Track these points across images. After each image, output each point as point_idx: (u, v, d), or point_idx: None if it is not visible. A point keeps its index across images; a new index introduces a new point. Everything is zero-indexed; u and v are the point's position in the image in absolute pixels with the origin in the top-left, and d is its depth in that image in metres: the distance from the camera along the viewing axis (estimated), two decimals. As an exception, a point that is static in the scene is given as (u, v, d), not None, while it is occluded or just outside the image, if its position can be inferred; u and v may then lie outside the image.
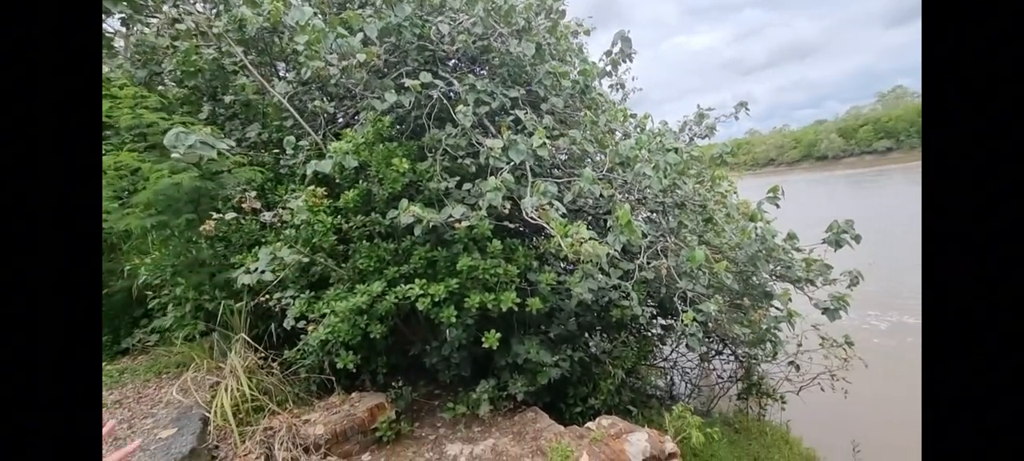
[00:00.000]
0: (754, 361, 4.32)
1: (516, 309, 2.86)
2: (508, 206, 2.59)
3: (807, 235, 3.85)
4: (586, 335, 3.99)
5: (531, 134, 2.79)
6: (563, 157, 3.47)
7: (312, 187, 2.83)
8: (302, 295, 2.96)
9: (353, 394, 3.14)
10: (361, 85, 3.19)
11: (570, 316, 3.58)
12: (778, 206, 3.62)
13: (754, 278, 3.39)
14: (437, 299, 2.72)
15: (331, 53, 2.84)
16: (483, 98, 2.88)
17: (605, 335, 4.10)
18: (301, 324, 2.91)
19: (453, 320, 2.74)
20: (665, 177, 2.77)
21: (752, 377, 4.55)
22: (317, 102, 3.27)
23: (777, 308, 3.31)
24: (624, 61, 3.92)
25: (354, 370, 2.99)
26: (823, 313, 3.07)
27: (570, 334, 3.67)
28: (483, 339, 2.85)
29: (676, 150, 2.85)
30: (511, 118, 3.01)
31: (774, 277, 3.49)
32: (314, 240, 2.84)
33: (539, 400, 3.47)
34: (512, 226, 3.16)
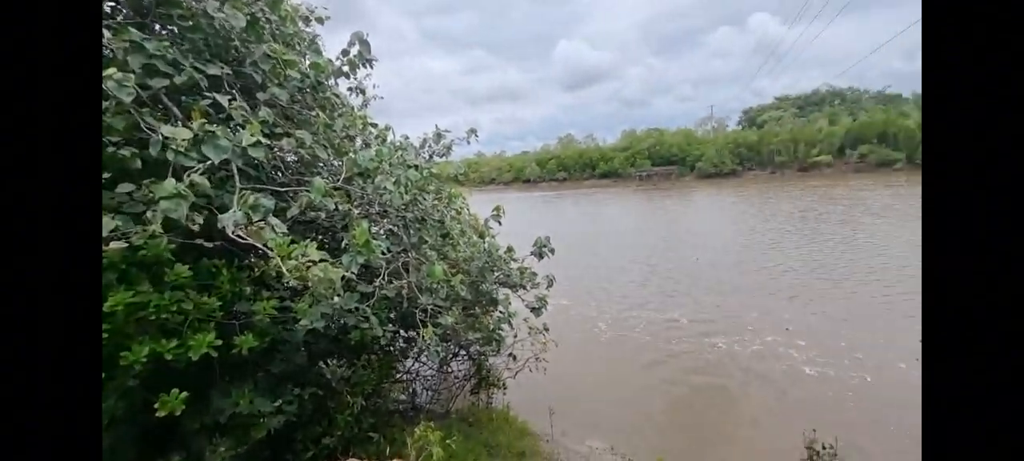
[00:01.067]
0: (483, 358, 4.90)
1: (216, 353, 2.17)
2: (200, 219, 1.93)
3: (519, 243, 4.64)
4: (321, 363, 3.50)
5: (240, 127, 2.19)
6: (291, 159, 2.93)
7: None
8: None
9: None
10: None
11: (298, 348, 3.04)
12: (500, 223, 4.22)
13: (483, 286, 3.83)
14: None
15: None
16: (158, 66, 2.06)
17: (343, 360, 3.72)
18: None
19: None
20: (407, 192, 2.72)
21: (482, 372, 5.13)
22: None
23: (501, 311, 3.85)
24: (363, 65, 3.70)
25: None
26: (532, 310, 3.76)
27: (299, 369, 3.12)
28: (157, 405, 2.02)
29: (417, 167, 2.85)
30: (208, 102, 2.29)
31: (497, 284, 4.05)
32: None
33: (255, 459, 2.78)
34: (212, 245, 2.41)
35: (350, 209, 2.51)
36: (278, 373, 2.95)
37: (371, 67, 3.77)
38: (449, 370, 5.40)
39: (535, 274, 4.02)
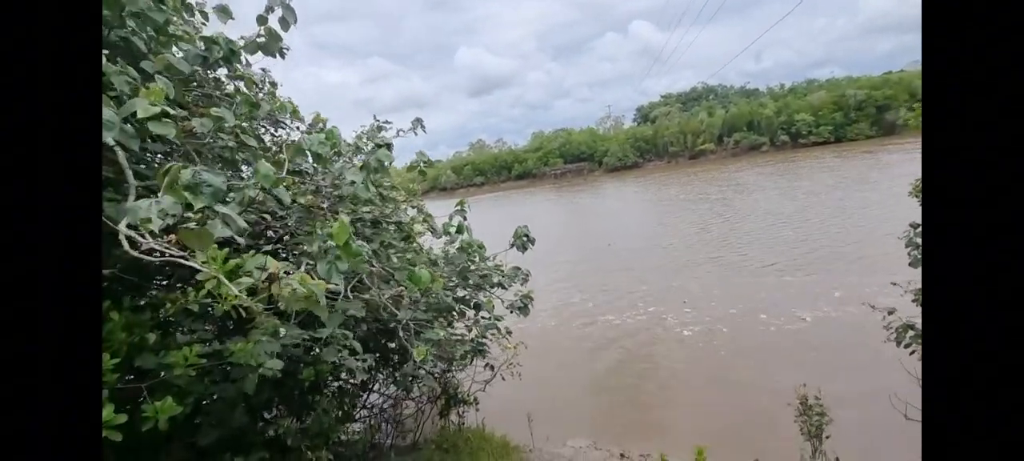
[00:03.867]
0: (449, 375, 4.35)
1: (120, 435, 1.43)
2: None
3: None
4: (265, 418, 2.74)
5: (124, 97, 1.48)
6: (211, 140, 2.16)
7: None
8: None
9: None
10: None
11: (235, 404, 2.28)
12: (465, 219, 3.74)
13: (460, 290, 3.33)
14: None
15: None
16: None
17: (292, 407, 2.95)
18: None
19: None
20: (374, 184, 2.15)
21: (450, 392, 4.57)
22: None
23: (484, 316, 3.37)
24: (276, 53, 2.93)
25: None
26: (515, 311, 3.36)
27: (239, 431, 2.35)
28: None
29: (389, 145, 2.29)
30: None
31: (476, 287, 3.57)
32: None
33: None
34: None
35: (314, 203, 1.88)
36: (210, 444, 2.16)
37: (283, 56, 3.03)
38: (411, 396, 4.74)
39: (519, 269, 3.63)
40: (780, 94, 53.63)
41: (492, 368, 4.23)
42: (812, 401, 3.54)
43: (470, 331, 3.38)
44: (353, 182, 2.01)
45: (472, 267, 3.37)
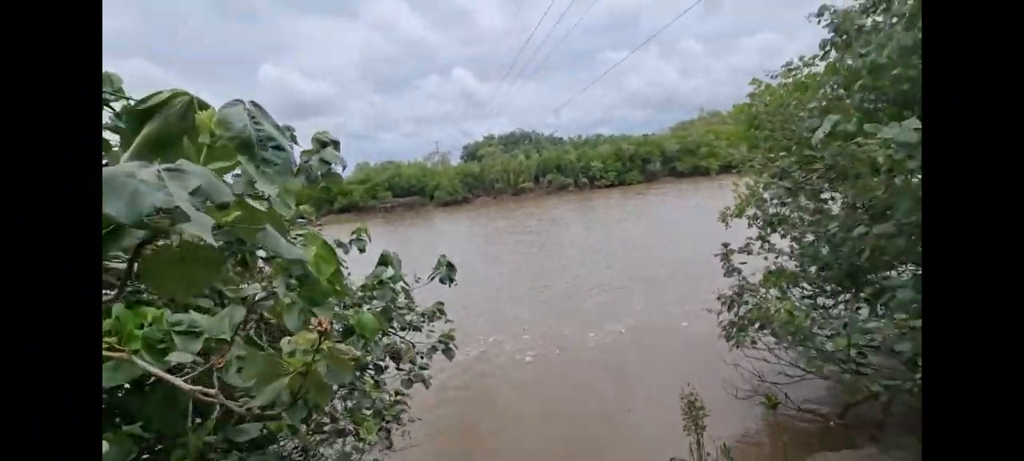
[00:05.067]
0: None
1: None
2: None
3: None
4: None
5: None
6: None
7: None
8: None
9: None
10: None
11: None
12: (362, 250, 3.05)
13: (384, 338, 2.59)
14: None
15: None
16: None
17: None
18: None
19: None
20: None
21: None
22: None
23: (411, 366, 2.69)
24: None
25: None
26: (443, 352, 2.83)
27: None
28: None
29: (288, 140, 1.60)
30: None
31: (398, 330, 2.85)
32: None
33: None
34: None
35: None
36: None
37: None
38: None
39: (442, 305, 3.07)
40: (579, 144, 64.85)
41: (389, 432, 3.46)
42: (693, 398, 4.07)
43: (381, 390, 2.67)
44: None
45: (398, 305, 2.71)
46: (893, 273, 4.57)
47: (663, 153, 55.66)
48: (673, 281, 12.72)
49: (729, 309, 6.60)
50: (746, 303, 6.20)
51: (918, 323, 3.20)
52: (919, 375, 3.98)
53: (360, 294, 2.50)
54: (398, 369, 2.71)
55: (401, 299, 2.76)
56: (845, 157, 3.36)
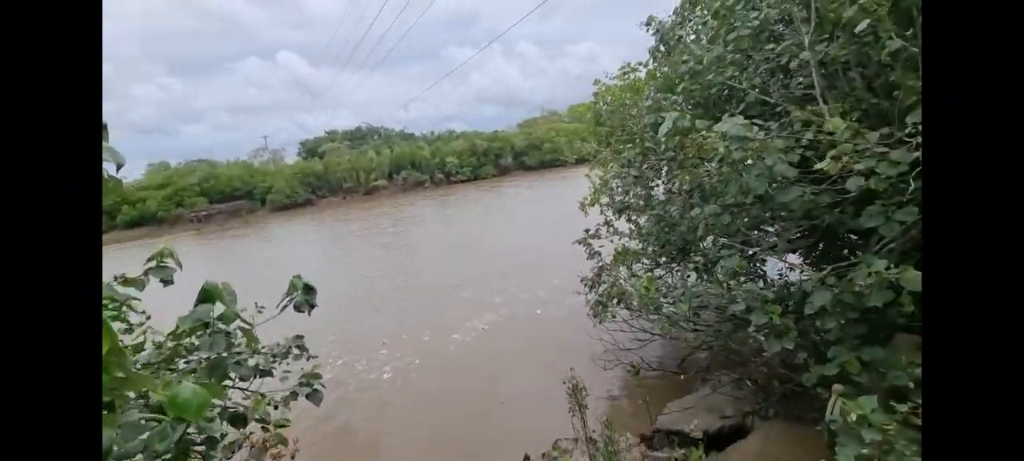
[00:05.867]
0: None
1: None
2: None
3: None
4: None
5: None
6: None
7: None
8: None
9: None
10: None
11: None
12: (167, 282, 2.19)
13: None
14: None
15: None
16: None
17: None
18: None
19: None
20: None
21: None
22: None
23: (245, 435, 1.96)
24: None
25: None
26: (307, 397, 2.19)
27: None
28: None
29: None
30: None
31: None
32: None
33: None
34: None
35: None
36: None
37: None
38: None
39: (301, 338, 2.36)
40: (432, 140, 63.85)
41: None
42: (576, 383, 4.23)
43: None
44: None
45: (236, 351, 1.96)
46: (708, 244, 5.58)
47: (513, 148, 59.03)
48: (530, 270, 13.45)
49: (591, 289, 7.25)
50: (605, 282, 6.88)
51: (742, 284, 3.91)
52: (735, 325, 4.91)
53: (171, 348, 1.74)
54: (244, 438, 2.00)
55: (239, 339, 2.05)
56: (681, 149, 3.79)
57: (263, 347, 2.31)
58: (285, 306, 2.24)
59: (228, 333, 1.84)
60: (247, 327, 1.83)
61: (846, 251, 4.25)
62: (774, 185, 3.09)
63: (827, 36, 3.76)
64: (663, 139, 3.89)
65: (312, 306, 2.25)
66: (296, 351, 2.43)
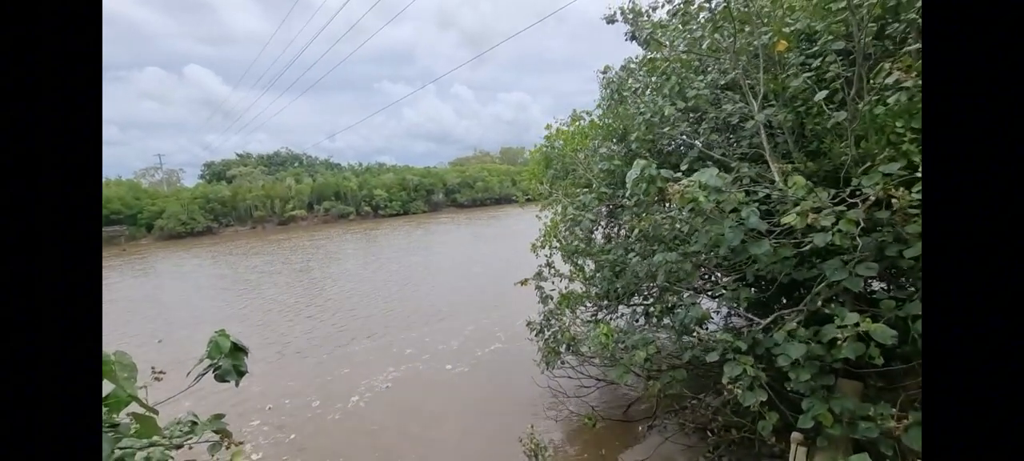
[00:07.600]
0: None
1: None
2: None
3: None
4: None
5: None
6: None
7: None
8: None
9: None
10: None
11: None
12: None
13: None
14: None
15: None
16: None
17: None
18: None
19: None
20: None
21: None
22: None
23: None
24: None
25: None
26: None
27: None
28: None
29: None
30: None
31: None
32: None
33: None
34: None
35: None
36: None
37: None
38: None
39: (222, 418, 1.70)
40: (360, 171, 61.05)
41: None
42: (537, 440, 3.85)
43: None
44: None
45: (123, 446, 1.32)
46: (655, 290, 5.68)
47: (445, 185, 58.59)
48: (456, 315, 12.65)
49: (537, 334, 6.99)
50: (553, 327, 6.68)
51: (712, 333, 3.93)
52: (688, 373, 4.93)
53: None
54: None
55: (131, 427, 1.43)
56: (648, 195, 3.80)
57: (165, 429, 1.67)
58: (202, 375, 1.66)
59: (116, 427, 1.25)
60: (150, 415, 1.26)
61: (785, 300, 4.53)
62: (744, 238, 3.15)
63: (772, 102, 4.10)
64: (629, 185, 3.87)
65: (241, 373, 1.70)
66: (223, 438, 1.78)
